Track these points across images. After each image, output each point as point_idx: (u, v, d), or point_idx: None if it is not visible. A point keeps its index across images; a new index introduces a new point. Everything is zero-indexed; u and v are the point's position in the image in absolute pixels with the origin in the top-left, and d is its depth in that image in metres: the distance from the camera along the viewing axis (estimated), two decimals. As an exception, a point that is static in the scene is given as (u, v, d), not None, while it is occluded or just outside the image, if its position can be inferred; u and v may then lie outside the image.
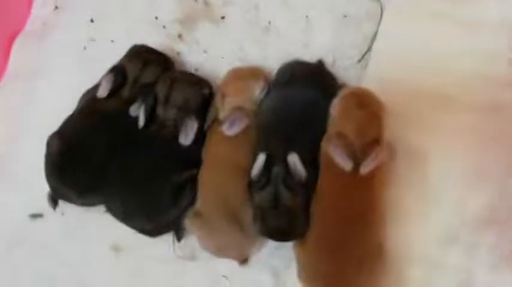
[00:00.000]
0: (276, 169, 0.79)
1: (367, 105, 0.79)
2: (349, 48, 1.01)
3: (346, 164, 0.77)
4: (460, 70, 0.93)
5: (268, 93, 0.92)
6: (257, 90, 0.91)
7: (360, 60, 1.01)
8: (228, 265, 0.88)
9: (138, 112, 0.87)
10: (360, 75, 0.99)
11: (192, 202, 0.87)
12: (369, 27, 1.02)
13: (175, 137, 0.85)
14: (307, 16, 1.03)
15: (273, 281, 0.90)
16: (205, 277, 0.91)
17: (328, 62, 1.00)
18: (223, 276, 0.90)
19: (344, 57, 1.00)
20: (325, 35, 1.02)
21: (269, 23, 1.03)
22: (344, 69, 1.00)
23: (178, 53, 1.03)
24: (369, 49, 1.01)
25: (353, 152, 0.77)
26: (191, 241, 0.91)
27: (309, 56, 1.00)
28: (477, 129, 0.87)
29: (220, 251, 0.86)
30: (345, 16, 1.03)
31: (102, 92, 0.87)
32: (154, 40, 1.02)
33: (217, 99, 0.91)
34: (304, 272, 0.82)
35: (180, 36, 1.04)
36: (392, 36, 0.99)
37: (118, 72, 0.90)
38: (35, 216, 0.96)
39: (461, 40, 0.96)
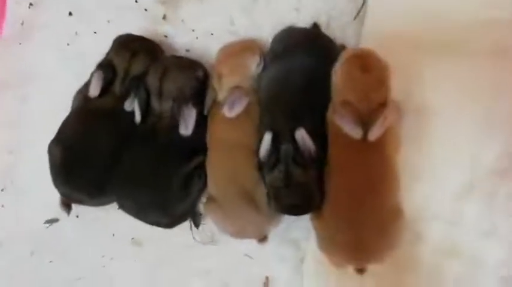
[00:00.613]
0: (285, 147, 0.77)
1: (370, 69, 0.75)
2: (343, 6, 0.95)
3: (356, 133, 0.74)
4: (460, 15, 0.88)
5: (265, 66, 0.88)
6: (253, 66, 0.87)
7: (356, 17, 0.95)
8: (249, 244, 0.89)
9: (133, 107, 0.84)
10: (358, 32, 0.94)
11: (203, 187, 0.87)
12: (361, -20, 0.96)
13: (176, 127, 0.83)
14: (295, -23, 0.97)
15: (294, 253, 0.91)
16: (228, 258, 0.92)
17: (323, 23, 0.95)
18: (246, 255, 0.91)
19: (339, 16, 0.95)
20: (316, -6, 0.96)
21: (257, -11, 0.98)
22: (341, 28, 0.95)
23: (165, 36, 0.99)
24: (364, 3, 0.95)
25: (360, 118, 0.75)
26: (210, 225, 0.91)
27: (303, 19, 0.95)
28: (483, 77, 0.84)
29: (238, 233, 0.86)
30: (336, -28, 0.96)
31: (94, 91, 0.84)
32: (139, 25, 0.98)
33: (214, 81, 0.88)
34: (324, 243, 0.82)
35: (164, 17, 0.99)
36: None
37: (106, 68, 0.87)
38: (51, 221, 0.97)
39: None
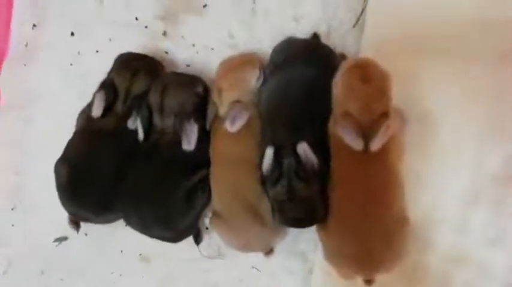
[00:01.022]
0: (287, 162, 0.77)
1: (370, 79, 0.74)
2: (342, 15, 0.95)
3: (357, 144, 0.74)
4: (460, 20, 0.87)
5: (265, 78, 0.88)
6: (253, 80, 0.87)
7: (355, 25, 0.95)
8: (256, 257, 0.88)
9: (136, 125, 0.85)
10: (358, 40, 0.94)
11: (207, 202, 0.87)
12: (360, -12, 0.96)
13: (178, 143, 0.83)
14: (293, -13, 0.97)
15: (302, 265, 0.91)
16: (235, 271, 0.93)
17: (323, 32, 0.95)
18: (254, 267, 0.91)
19: (339, 25, 0.95)
20: (314, 4, 0.96)
21: (254, 2, 0.98)
22: (341, 37, 0.95)
23: (166, 52, 1.00)
24: (363, 11, 0.95)
25: (362, 129, 0.74)
26: (216, 239, 0.91)
27: (302, 30, 0.96)
28: (485, 82, 0.83)
29: (245, 247, 0.86)
30: (333, -20, 0.96)
31: (96, 112, 0.85)
32: (139, 43, 0.99)
33: (214, 95, 0.88)
34: (331, 255, 0.81)
35: (164, 33, 1.00)
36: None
37: (108, 88, 0.88)
38: (60, 239, 0.98)
39: None
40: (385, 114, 0.74)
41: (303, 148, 0.76)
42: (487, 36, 0.85)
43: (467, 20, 0.87)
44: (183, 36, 0.99)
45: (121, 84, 0.88)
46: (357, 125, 0.74)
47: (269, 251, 0.87)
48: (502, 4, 0.86)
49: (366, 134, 0.74)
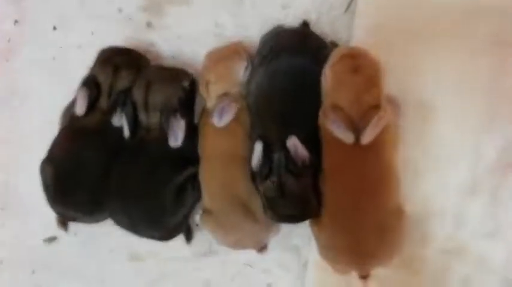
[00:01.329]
0: (277, 156, 0.74)
1: (360, 70, 0.72)
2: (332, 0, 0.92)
3: (348, 137, 0.71)
4: (457, 4, 0.84)
5: (253, 70, 0.85)
6: (241, 71, 0.84)
7: (346, 10, 0.92)
8: (249, 253, 0.86)
9: (121, 122, 0.83)
10: (349, 26, 0.91)
11: (197, 199, 0.85)
12: (349, -30, 0.92)
13: (165, 139, 0.81)
14: (280, -27, 0.94)
15: (296, 260, 0.89)
16: (228, 268, 0.91)
17: (313, 19, 0.91)
18: (246, 264, 0.90)
19: (329, 10, 0.92)
20: (303, -10, 0.93)
21: (241, -11, 0.94)
22: (331, 23, 0.92)
23: (151, 44, 0.96)
24: (355, -5, 0.91)
25: (352, 122, 0.72)
26: (207, 235, 0.89)
27: (291, 17, 0.92)
28: (482, 69, 0.81)
29: (237, 244, 0.84)
30: (322, -36, 0.93)
31: (80, 110, 0.83)
32: (124, 35, 0.96)
33: (202, 89, 0.85)
34: (325, 250, 0.79)
35: (149, 24, 0.97)
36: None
37: (91, 84, 0.85)
38: (50, 240, 0.97)
39: None
40: (376, 106, 0.71)
41: (293, 142, 0.73)
42: (486, 22, 0.82)
43: (466, 5, 0.83)
44: (168, 27, 0.96)
45: (104, 80, 0.85)
46: (346, 118, 0.72)
47: (262, 248, 0.85)
48: None
49: (357, 126, 0.72)
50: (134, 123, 0.83)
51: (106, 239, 0.93)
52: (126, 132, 0.83)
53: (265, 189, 0.75)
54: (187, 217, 0.86)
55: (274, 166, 0.74)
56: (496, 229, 0.79)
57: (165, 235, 0.85)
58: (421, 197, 0.82)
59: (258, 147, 0.75)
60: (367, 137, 0.71)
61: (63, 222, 0.90)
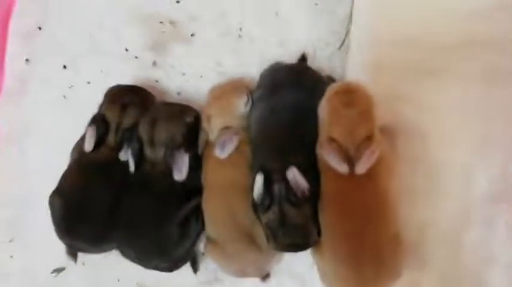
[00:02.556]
0: (277, 188, 0.77)
1: (354, 104, 0.76)
2: (327, 37, 0.97)
3: (342, 168, 0.75)
4: (447, 39, 0.88)
5: (254, 104, 0.90)
6: (241, 105, 0.89)
7: (341, 46, 0.97)
8: (253, 280, 0.89)
9: (128, 157, 0.87)
10: (344, 61, 0.96)
11: (201, 230, 0.88)
12: (342, 9, 0.98)
13: (170, 173, 0.85)
14: (276, 13, 0.99)
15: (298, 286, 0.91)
16: (233, 296, 0.92)
17: (310, 55, 0.97)
18: (251, 291, 0.92)
19: (324, 47, 0.97)
20: (299, 28, 0.98)
21: (240, 29, 1.00)
22: (327, 59, 0.97)
23: (157, 81, 1.01)
24: (348, 32, 0.97)
25: (347, 154, 0.76)
26: (213, 264, 0.91)
27: (288, 54, 0.97)
28: (474, 101, 0.84)
29: (240, 273, 0.86)
30: (316, 4, 0.99)
31: (88, 147, 0.87)
32: (130, 73, 1.01)
33: (204, 123, 0.90)
34: (326, 277, 0.82)
35: (154, 63, 1.02)
36: (367, 12, 0.95)
37: (99, 122, 0.89)
38: (58, 271, 0.99)
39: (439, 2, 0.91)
40: (369, 138, 0.75)
41: (293, 173, 0.77)
42: (477, 57, 0.86)
43: (456, 40, 0.88)
44: (172, 65, 1.01)
45: (112, 118, 0.90)
46: (341, 150, 0.75)
47: (265, 276, 0.88)
48: (490, 27, 0.87)
49: (352, 157, 0.76)
50: (139, 158, 0.87)
51: (114, 269, 0.95)
52: (132, 167, 0.87)
53: (267, 219, 0.78)
54: (192, 247, 0.89)
55: (275, 197, 0.77)
56: (491, 256, 0.81)
57: (171, 266, 0.88)
58: (418, 223, 0.84)
59: (259, 179, 0.78)
60: (361, 169, 0.75)
61: (73, 252, 0.92)
